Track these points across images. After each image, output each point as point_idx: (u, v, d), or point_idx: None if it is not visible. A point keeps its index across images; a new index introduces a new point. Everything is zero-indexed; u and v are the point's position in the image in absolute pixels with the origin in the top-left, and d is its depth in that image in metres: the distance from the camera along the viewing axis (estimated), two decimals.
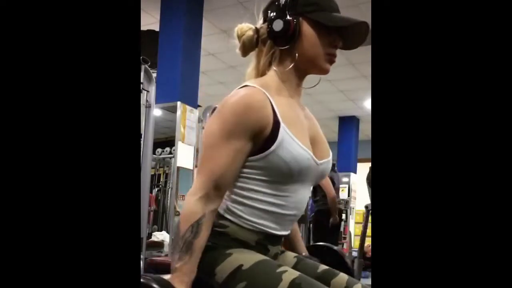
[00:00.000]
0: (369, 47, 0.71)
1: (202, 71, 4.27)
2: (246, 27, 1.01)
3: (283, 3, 0.97)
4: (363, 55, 5.12)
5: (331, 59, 0.99)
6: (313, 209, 4.51)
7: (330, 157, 1.04)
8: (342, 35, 0.99)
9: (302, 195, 0.99)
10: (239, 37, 1.02)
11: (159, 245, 3.64)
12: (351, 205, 7.64)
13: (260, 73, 1.01)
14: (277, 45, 0.98)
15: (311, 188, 1.04)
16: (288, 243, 1.18)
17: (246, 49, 1.02)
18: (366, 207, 3.46)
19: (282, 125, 0.91)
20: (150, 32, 4.10)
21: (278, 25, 0.95)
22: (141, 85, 2.89)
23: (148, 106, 2.99)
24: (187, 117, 3.68)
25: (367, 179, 3.87)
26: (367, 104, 6.84)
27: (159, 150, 4.04)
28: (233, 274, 0.89)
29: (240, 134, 0.88)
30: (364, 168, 6.47)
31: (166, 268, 0.89)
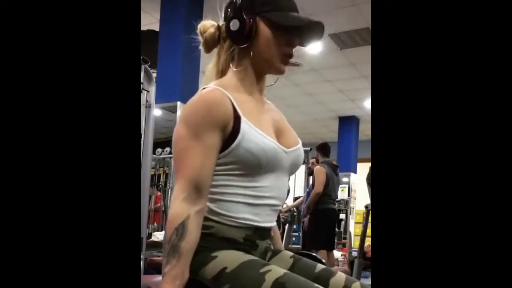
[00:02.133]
0: (369, 47, 0.71)
1: (202, 71, 4.27)
2: (208, 24, 1.03)
3: (240, 2, 0.99)
4: (363, 55, 5.12)
5: (286, 60, 1.01)
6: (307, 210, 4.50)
7: (299, 145, 1.06)
8: (298, 34, 1.00)
9: (279, 184, 1.00)
10: (202, 33, 1.03)
11: (159, 245, 3.64)
12: (351, 205, 7.64)
13: (221, 69, 1.04)
14: (235, 44, 1.00)
15: (288, 177, 1.06)
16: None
17: (208, 45, 1.04)
18: (366, 207, 3.46)
19: (242, 118, 0.93)
20: (150, 32, 4.11)
21: (234, 25, 0.97)
22: (141, 85, 2.88)
23: (148, 106, 2.99)
24: None
25: (367, 179, 3.86)
26: (367, 104, 6.84)
27: (159, 150, 4.04)
28: (217, 277, 0.90)
29: (206, 130, 0.90)
30: (364, 168, 6.47)
31: None
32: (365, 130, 7.92)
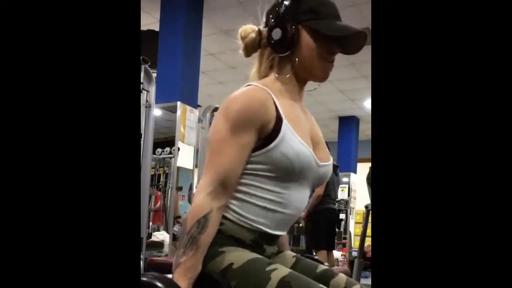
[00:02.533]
0: (369, 47, 0.72)
1: (202, 71, 4.27)
2: (249, 29, 1.02)
3: (283, 10, 0.98)
4: (363, 55, 5.10)
5: (329, 66, 1.00)
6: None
7: (331, 162, 1.05)
8: (340, 42, 1.00)
9: (302, 196, 0.99)
10: (242, 38, 1.03)
11: (159, 245, 3.64)
12: (351, 205, 7.64)
13: (262, 75, 1.03)
14: (276, 52, 1.00)
15: (310, 192, 1.04)
16: None
17: (248, 50, 1.03)
18: (366, 207, 3.46)
19: (284, 121, 0.93)
20: (150, 32, 4.11)
21: (276, 34, 0.96)
22: (141, 85, 2.89)
23: (148, 106, 2.99)
24: (187, 117, 3.68)
25: (367, 179, 3.86)
26: (367, 104, 6.84)
27: (159, 150, 4.04)
28: (224, 272, 0.90)
29: (245, 128, 0.90)
30: (364, 168, 6.47)
31: (166, 268, 0.89)
32: (365, 130, 7.92)
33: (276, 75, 1.00)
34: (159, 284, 0.80)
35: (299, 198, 0.98)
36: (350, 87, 6.26)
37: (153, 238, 3.78)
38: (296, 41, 0.96)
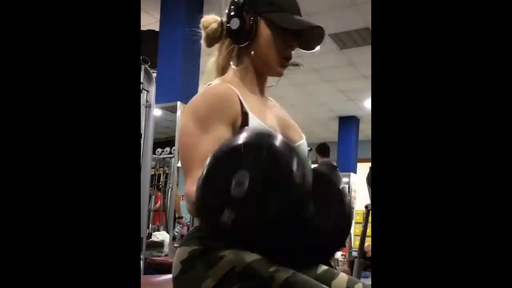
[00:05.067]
0: (369, 47, 0.72)
1: (202, 71, 4.27)
2: (211, 19, 1.04)
3: (242, 1, 0.98)
4: (363, 55, 5.12)
5: (284, 63, 1.01)
6: None
7: (304, 140, 1.06)
8: (298, 37, 1.00)
9: None
10: (204, 28, 1.03)
11: (159, 245, 3.64)
12: (351, 205, 7.63)
13: (221, 66, 1.04)
14: (234, 43, 1.00)
15: None
16: None
17: (210, 40, 1.04)
18: (366, 207, 3.46)
19: (250, 114, 0.93)
20: (150, 32, 4.10)
21: (235, 23, 0.97)
22: (141, 85, 2.88)
23: (148, 106, 2.99)
24: None
25: (367, 179, 3.86)
26: (367, 104, 6.84)
27: (159, 150, 4.04)
28: (225, 276, 0.89)
29: (216, 123, 0.90)
30: (364, 168, 6.47)
31: (166, 268, 0.89)
32: (365, 130, 7.91)
33: (234, 67, 1.01)
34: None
35: None
36: (350, 87, 6.26)
37: (153, 238, 3.78)
38: (254, 31, 0.97)
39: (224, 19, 1.02)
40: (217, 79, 1.00)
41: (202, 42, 1.05)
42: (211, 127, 0.89)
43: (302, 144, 1.05)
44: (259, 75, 1.04)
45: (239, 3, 0.99)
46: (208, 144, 0.88)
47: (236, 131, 0.91)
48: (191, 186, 0.87)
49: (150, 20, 4.25)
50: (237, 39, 0.99)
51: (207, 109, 0.90)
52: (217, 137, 0.89)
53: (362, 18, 4.09)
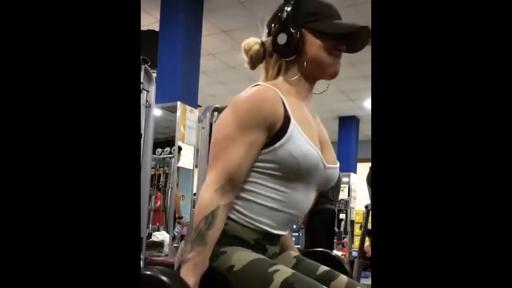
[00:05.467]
0: (369, 47, 0.72)
1: (202, 71, 4.27)
2: (252, 42, 1.04)
3: (285, 16, 1.00)
4: (363, 55, 5.10)
5: (337, 62, 1.02)
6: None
7: (338, 165, 1.05)
8: (345, 40, 1.01)
9: (306, 197, 0.99)
10: (247, 51, 1.04)
11: (159, 245, 3.64)
12: (351, 205, 7.63)
13: (270, 81, 1.04)
14: (283, 57, 1.01)
15: (315, 193, 1.04)
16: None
17: (254, 62, 1.05)
18: (366, 207, 3.46)
19: (292, 120, 0.93)
20: (150, 32, 4.10)
21: (282, 39, 0.98)
22: (141, 85, 2.88)
23: (148, 106, 2.99)
24: (187, 117, 3.68)
25: (367, 179, 3.86)
26: (367, 104, 6.84)
27: (159, 150, 4.04)
28: (224, 274, 0.90)
29: (254, 126, 0.90)
30: (364, 168, 6.47)
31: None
32: (365, 130, 7.91)
33: (284, 78, 1.01)
34: (164, 278, 0.80)
35: (304, 199, 0.98)
36: (350, 87, 6.26)
37: (153, 238, 3.78)
38: (301, 43, 0.98)
39: (264, 39, 1.04)
40: (265, 82, 1.00)
41: (246, 65, 1.06)
42: (246, 130, 0.90)
43: (336, 168, 1.04)
44: (309, 83, 1.04)
45: (282, 18, 1.00)
46: (240, 146, 0.90)
47: (274, 133, 0.91)
48: (210, 181, 0.89)
49: (150, 20, 4.26)
50: (286, 53, 1.00)
51: (247, 110, 0.91)
52: (250, 141, 0.90)
53: (362, 18, 4.09)
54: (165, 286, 0.79)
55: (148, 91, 2.95)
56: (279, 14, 1.01)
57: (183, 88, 3.70)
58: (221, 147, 0.91)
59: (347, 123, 7.75)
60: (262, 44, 1.03)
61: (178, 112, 3.59)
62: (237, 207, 0.94)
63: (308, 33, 0.99)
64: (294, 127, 0.92)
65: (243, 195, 0.94)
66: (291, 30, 0.98)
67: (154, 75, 3.33)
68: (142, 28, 4.04)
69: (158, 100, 3.29)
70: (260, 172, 0.94)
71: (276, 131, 0.92)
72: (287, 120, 0.92)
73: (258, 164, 0.93)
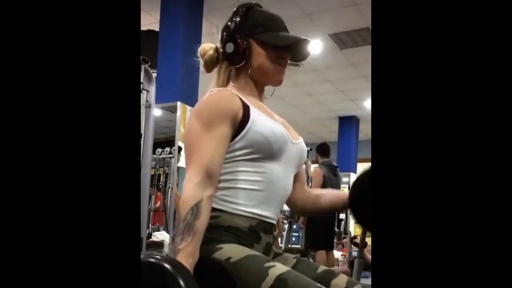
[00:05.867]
0: (369, 47, 0.72)
1: (202, 71, 4.27)
2: (207, 47, 1.13)
3: (233, 27, 1.09)
4: (363, 55, 5.12)
5: (281, 70, 1.10)
6: None
7: (301, 140, 1.13)
8: (289, 50, 1.09)
9: (285, 174, 1.05)
10: (202, 56, 1.13)
11: (159, 245, 3.64)
12: None
13: (221, 86, 1.12)
14: (231, 64, 1.10)
15: (293, 172, 1.11)
16: (330, 201, 1.20)
17: (208, 66, 1.14)
18: None
19: (251, 107, 1.01)
20: (150, 32, 4.11)
21: (229, 47, 1.07)
22: (141, 85, 2.88)
23: (148, 106, 2.99)
24: (187, 117, 3.68)
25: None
26: (367, 104, 6.84)
27: (159, 150, 4.05)
28: (221, 264, 0.92)
29: (217, 122, 0.97)
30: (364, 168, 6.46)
31: None
32: (365, 130, 7.92)
33: (233, 84, 1.10)
34: (166, 265, 0.82)
35: (283, 176, 1.04)
36: (350, 87, 6.26)
37: (153, 238, 3.78)
38: (248, 52, 1.07)
39: (219, 45, 1.12)
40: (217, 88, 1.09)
41: (201, 68, 1.15)
42: (212, 126, 0.96)
43: (301, 142, 1.12)
44: (258, 87, 1.12)
45: (230, 28, 1.09)
46: (209, 141, 0.96)
47: (238, 123, 0.98)
48: (189, 177, 0.95)
49: (150, 20, 4.26)
50: (233, 61, 1.08)
51: (208, 110, 0.99)
52: (218, 135, 0.97)
53: (362, 18, 4.09)
54: (168, 273, 0.81)
55: (148, 91, 2.96)
56: (229, 24, 1.11)
57: (183, 88, 3.70)
58: (192, 147, 0.98)
59: (347, 123, 7.75)
60: (216, 49, 1.12)
61: (178, 112, 3.60)
62: (226, 198, 0.99)
63: (255, 43, 1.07)
64: (254, 112, 1.01)
65: (226, 185, 0.99)
66: (238, 40, 1.06)
67: (154, 75, 3.33)
68: (142, 28, 4.04)
69: (158, 100, 3.30)
70: (237, 160, 0.99)
71: (240, 120, 0.99)
72: (246, 109, 1.00)
73: (233, 153, 0.99)
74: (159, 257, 0.84)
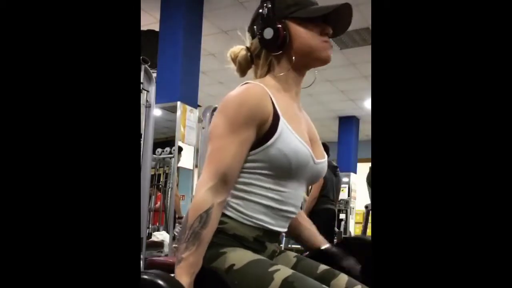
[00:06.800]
0: (369, 47, 0.72)
1: (202, 71, 4.27)
2: (237, 49, 1.06)
3: (266, 12, 1.01)
4: (363, 55, 5.12)
5: (327, 47, 1.02)
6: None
7: (326, 159, 1.07)
8: (329, 23, 1.02)
9: (299, 192, 1.01)
10: (234, 59, 1.06)
11: (159, 245, 3.64)
12: (351, 205, 7.64)
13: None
14: (272, 52, 1.01)
15: (306, 188, 1.07)
16: (305, 239, 1.17)
17: (243, 68, 1.06)
18: (366, 207, 3.46)
19: (281, 118, 0.94)
20: (150, 32, 4.11)
21: (268, 33, 0.99)
22: (141, 85, 2.89)
23: (148, 106, 2.99)
24: (187, 117, 3.68)
25: (367, 179, 3.86)
26: (367, 104, 6.84)
27: (159, 150, 4.05)
28: (224, 273, 0.90)
29: (244, 125, 0.91)
30: (364, 168, 6.48)
31: (166, 268, 0.89)
32: (365, 130, 7.92)
33: (274, 74, 1.02)
34: (161, 283, 0.80)
35: (297, 194, 1.00)
36: (350, 87, 6.26)
37: (153, 238, 3.78)
38: (288, 35, 0.99)
39: (249, 44, 1.05)
40: (254, 80, 1.01)
41: (236, 73, 1.07)
42: (237, 129, 0.91)
43: (324, 162, 1.06)
44: (300, 74, 1.05)
45: (264, 14, 1.01)
46: (231, 144, 0.91)
47: (265, 131, 0.93)
48: (204, 179, 0.90)
49: (150, 20, 4.26)
50: (274, 47, 1.00)
51: (236, 110, 0.92)
52: (241, 139, 0.91)
53: (362, 18, 4.09)
54: None
55: (148, 91, 2.96)
56: (260, 11, 1.02)
57: (183, 88, 3.70)
58: (213, 147, 0.92)
59: (347, 123, 7.75)
60: (247, 49, 1.05)
61: (178, 112, 3.60)
62: (235, 206, 0.95)
63: (292, 24, 0.99)
64: (283, 125, 0.93)
65: (240, 194, 0.95)
66: (276, 23, 0.98)
67: (154, 75, 3.33)
68: (142, 28, 4.04)
69: (158, 100, 3.30)
70: (253, 172, 0.95)
71: (267, 129, 0.93)
72: (276, 117, 0.93)
73: (251, 164, 0.94)
74: (153, 273, 0.81)
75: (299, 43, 1.00)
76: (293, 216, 1.04)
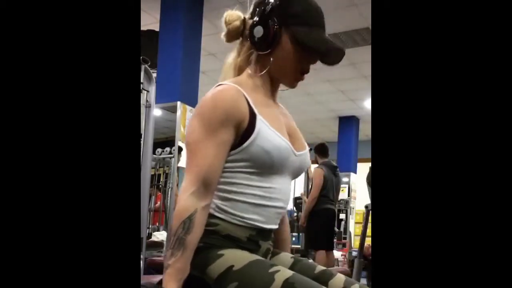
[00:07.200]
0: (369, 47, 0.72)
1: (202, 71, 4.27)
2: (235, 16, 1.02)
3: (268, 9, 0.98)
4: (363, 55, 5.12)
5: (300, 77, 1.02)
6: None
7: (307, 150, 1.07)
8: (318, 55, 1.01)
9: (285, 187, 1.01)
10: (226, 24, 1.03)
11: (159, 245, 3.64)
12: (351, 205, 7.63)
13: (237, 68, 1.04)
14: (255, 50, 1.00)
15: (292, 181, 1.06)
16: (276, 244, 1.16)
17: (230, 36, 1.04)
18: (366, 207, 3.46)
19: (258, 116, 0.94)
20: (150, 32, 4.10)
21: (258, 32, 0.97)
22: (141, 85, 2.88)
23: (148, 106, 2.98)
24: (187, 117, 3.68)
25: (367, 179, 3.86)
26: (367, 104, 6.84)
27: (159, 150, 4.04)
28: (223, 275, 0.90)
29: (220, 127, 0.91)
30: (364, 168, 6.47)
31: None
32: (365, 130, 7.92)
33: (250, 72, 1.02)
34: None
35: (283, 188, 1.00)
36: (350, 87, 6.26)
37: (153, 238, 3.78)
38: (276, 42, 0.97)
39: (248, 17, 1.02)
40: (229, 80, 1.00)
41: (222, 37, 1.05)
42: (214, 131, 0.90)
43: (306, 153, 1.06)
44: (273, 82, 1.04)
45: (265, 10, 0.98)
46: (209, 147, 0.90)
47: (243, 131, 0.92)
48: (185, 185, 0.90)
49: (150, 20, 4.25)
50: (259, 47, 0.99)
51: (211, 112, 0.91)
52: (219, 141, 0.90)
53: (362, 18, 4.09)
54: None
55: (148, 91, 2.95)
56: (266, 3, 0.99)
57: (183, 88, 3.70)
58: (192, 151, 0.92)
59: (347, 123, 7.74)
60: (244, 21, 1.02)
61: (178, 112, 3.59)
62: (225, 208, 0.95)
63: (286, 35, 0.97)
64: (261, 122, 0.93)
65: (228, 196, 0.95)
66: (270, 25, 0.96)
67: (154, 75, 3.32)
68: (142, 28, 4.04)
69: (158, 100, 3.29)
70: (236, 171, 0.95)
71: (244, 128, 0.92)
72: (253, 116, 0.93)
73: (234, 164, 0.94)
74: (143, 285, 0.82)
75: (281, 56, 0.98)
76: (283, 211, 1.04)
